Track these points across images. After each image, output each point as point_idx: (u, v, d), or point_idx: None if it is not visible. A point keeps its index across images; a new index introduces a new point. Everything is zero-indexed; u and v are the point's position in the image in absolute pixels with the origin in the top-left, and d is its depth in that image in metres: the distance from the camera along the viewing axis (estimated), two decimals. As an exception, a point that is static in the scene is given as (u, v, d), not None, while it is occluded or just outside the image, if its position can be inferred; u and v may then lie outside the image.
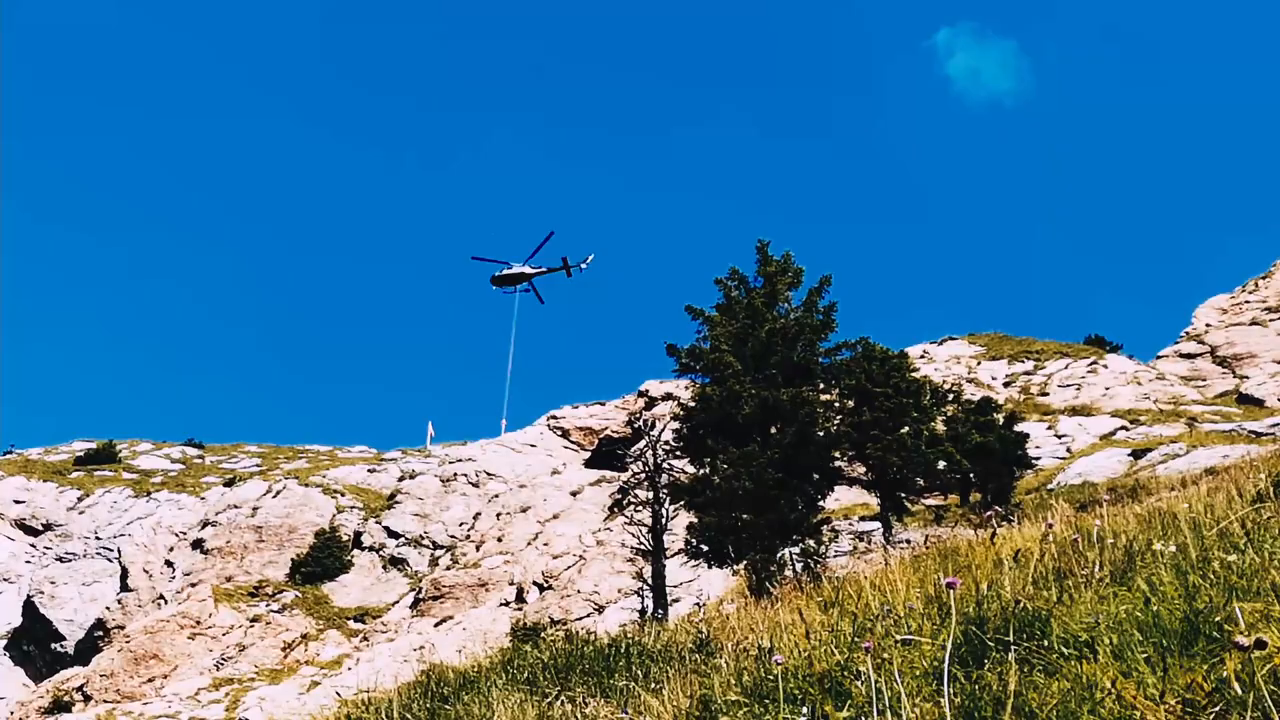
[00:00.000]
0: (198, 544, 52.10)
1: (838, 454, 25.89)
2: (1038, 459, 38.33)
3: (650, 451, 24.47)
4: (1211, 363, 60.38)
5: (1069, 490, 30.53)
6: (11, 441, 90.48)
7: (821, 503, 24.32)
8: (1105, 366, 58.68)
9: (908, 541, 24.41)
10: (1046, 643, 5.03)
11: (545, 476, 56.08)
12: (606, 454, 62.02)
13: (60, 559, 56.89)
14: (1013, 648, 4.98)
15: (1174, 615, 4.79)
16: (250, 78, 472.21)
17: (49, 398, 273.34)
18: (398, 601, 46.68)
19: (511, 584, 43.49)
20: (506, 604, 42.16)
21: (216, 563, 49.94)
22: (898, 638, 5.65)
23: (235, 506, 54.56)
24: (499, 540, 48.22)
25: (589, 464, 62.51)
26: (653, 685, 8.00)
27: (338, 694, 15.65)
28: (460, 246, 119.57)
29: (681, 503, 23.72)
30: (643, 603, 23.01)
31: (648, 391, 65.06)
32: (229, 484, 61.23)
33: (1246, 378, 56.22)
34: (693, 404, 24.44)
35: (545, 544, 46.03)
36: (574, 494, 52.19)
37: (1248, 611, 4.42)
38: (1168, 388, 54.36)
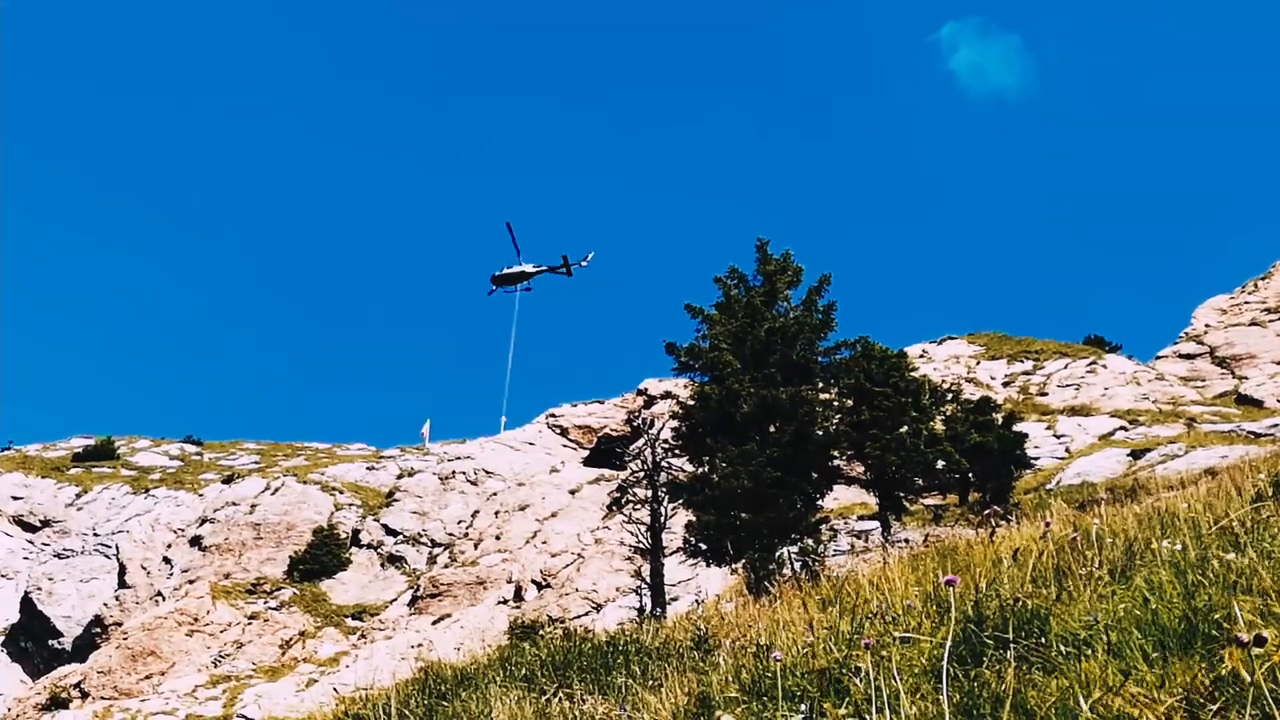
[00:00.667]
0: (196, 541, 52.09)
1: (836, 453, 25.93)
2: (1036, 459, 38.34)
3: (649, 450, 24.46)
4: (1211, 363, 60.39)
5: (1068, 490, 30.55)
6: (10, 438, 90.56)
7: (820, 502, 24.35)
8: (1104, 367, 58.70)
9: (906, 541, 24.43)
10: (1045, 641, 5.02)
11: (544, 475, 56.05)
12: (605, 452, 62.03)
13: (58, 555, 56.92)
14: (1011, 646, 4.97)
15: (1173, 613, 4.79)
16: (248, 74, 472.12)
17: (48, 394, 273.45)
18: (396, 599, 46.68)
19: (510, 582, 43.49)
20: (504, 602, 42.16)
21: (214, 560, 49.92)
22: (896, 635, 5.65)
23: (233, 503, 54.55)
24: (497, 538, 48.21)
25: (588, 462, 62.50)
26: (651, 682, 7.99)
27: (335, 691, 15.67)
28: (460, 245, 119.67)
29: (680, 501, 23.75)
30: (641, 601, 22.97)
31: (647, 390, 65.06)
32: (227, 481, 61.20)
33: (1246, 378, 56.23)
34: (692, 402, 24.46)
35: (544, 542, 46.03)
36: (572, 492, 52.18)
37: (1247, 609, 4.42)
38: (1167, 388, 54.37)
